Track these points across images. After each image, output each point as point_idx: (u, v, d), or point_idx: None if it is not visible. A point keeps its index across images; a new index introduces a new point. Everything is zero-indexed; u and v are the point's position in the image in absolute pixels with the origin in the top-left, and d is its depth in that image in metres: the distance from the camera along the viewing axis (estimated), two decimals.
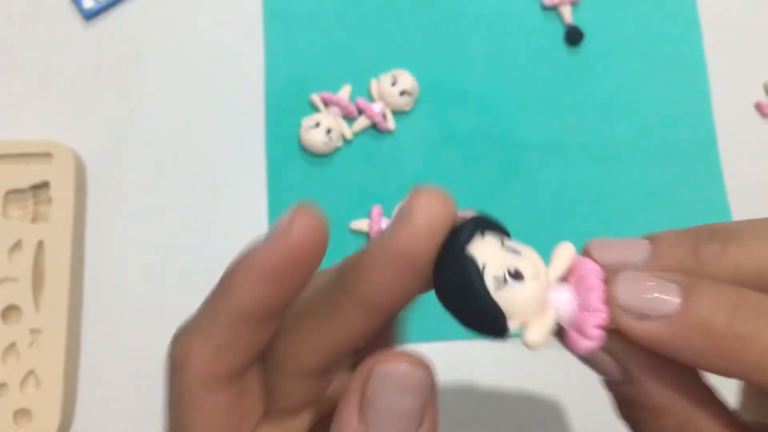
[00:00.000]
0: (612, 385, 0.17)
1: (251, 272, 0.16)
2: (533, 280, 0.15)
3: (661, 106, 0.43)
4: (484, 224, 0.15)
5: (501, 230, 0.16)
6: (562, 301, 0.16)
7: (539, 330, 0.15)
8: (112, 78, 0.42)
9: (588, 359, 0.17)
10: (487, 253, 0.15)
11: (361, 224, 0.40)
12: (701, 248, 0.17)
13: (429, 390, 0.17)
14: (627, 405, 0.18)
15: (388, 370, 0.16)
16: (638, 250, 0.17)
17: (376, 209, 0.40)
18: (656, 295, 0.15)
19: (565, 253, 0.16)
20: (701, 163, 0.43)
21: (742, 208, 0.42)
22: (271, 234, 0.16)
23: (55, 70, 0.42)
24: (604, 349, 0.16)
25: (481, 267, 0.15)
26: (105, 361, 0.39)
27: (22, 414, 0.37)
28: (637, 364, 0.16)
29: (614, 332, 0.16)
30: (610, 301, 0.16)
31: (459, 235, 0.15)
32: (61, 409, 0.36)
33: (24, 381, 0.37)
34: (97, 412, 0.38)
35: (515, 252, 0.16)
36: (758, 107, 0.44)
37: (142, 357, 0.39)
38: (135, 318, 0.39)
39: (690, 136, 0.43)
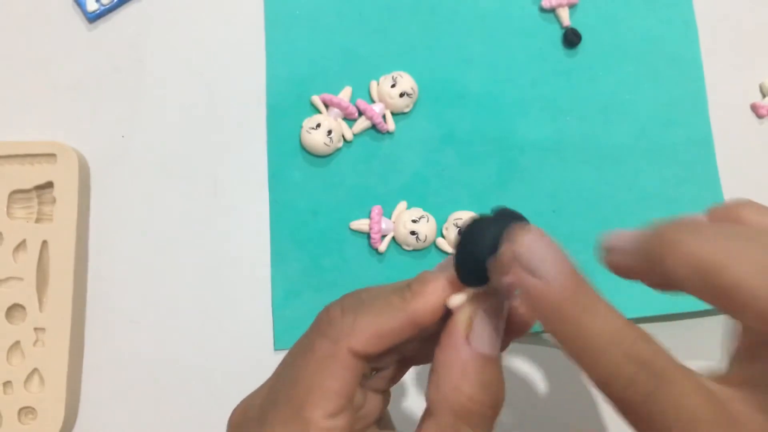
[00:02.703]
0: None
1: (436, 299, 0.21)
2: None
3: (657, 107, 0.44)
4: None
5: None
6: None
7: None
8: (115, 79, 0.43)
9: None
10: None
11: (361, 224, 0.41)
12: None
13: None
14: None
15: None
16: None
17: (376, 209, 0.40)
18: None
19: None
20: (697, 163, 0.43)
21: None
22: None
23: (58, 71, 0.42)
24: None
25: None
26: (108, 359, 0.39)
27: (26, 412, 0.37)
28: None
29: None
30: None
31: (480, 243, 0.21)
32: (65, 406, 0.37)
33: (28, 379, 0.37)
34: (100, 410, 0.39)
35: None
36: (754, 108, 0.45)
37: (145, 355, 0.39)
38: (138, 317, 0.40)
39: (686, 137, 0.43)
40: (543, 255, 0.19)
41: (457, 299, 0.22)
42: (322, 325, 0.22)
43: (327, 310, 0.22)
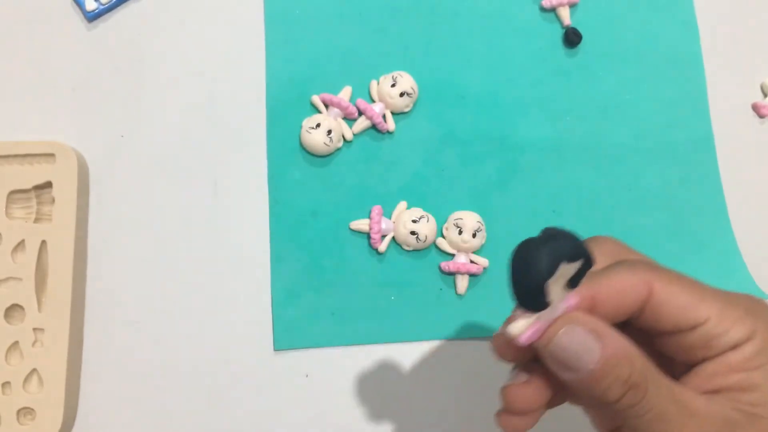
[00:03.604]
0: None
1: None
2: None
3: (658, 107, 0.44)
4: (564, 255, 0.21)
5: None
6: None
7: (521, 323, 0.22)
8: (115, 79, 0.42)
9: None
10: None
11: (361, 224, 0.40)
12: None
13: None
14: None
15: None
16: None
17: (376, 209, 0.40)
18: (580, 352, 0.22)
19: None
20: (698, 163, 0.43)
21: (738, 208, 0.42)
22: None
23: (58, 71, 0.42)
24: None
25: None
26: (107, 359, 0.39)
27: (25, 412, 0.37)
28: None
29: None
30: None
31: (540, 265, 0.20)
32: (64, 407, 0.37)
33: (27, 379, 0.37)
34: (99, 410, 0.38)
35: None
36: (755, 108, 0.44)
37: (144, 355, 0.39)
38: (137, 317, 0.39)
39: (687, 137, 0.43)
40: (574, 351, 0.21)
41: (519, 325, 0.22)
42: None
43: None
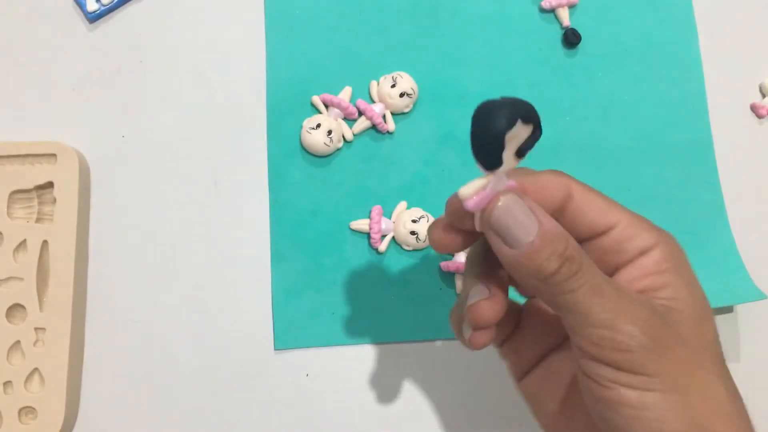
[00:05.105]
0: None
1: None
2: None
3: (657, 107, 0.44)
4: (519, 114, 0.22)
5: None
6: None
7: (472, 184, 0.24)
8: (116, 80, 0.43)
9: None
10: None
11: (361, 224, 0.41)
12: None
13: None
14: None
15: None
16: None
17: (376, 209, 0.40)
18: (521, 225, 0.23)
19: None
20: (697, 164, 0.43)
21: (737, 208, 0.43)
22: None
23: (59, 72, 0.43)
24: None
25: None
26: (108, 358, 0.39)
27: (26, 411, 0.37)
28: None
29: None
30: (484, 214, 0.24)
31: (498, 121, 0.22)
32: (66, 406, 0.37)
33: (29, 379, 0.38)
34: (100, 409, 0.39)
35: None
36: (753, 108, 0.45)
37: (146, 355, 0.39)
38: (138, 316, 0.40)
39: (686, 137, 0.43)
40: (514, 223, 0.23)
41: (470, 187, 0.24)
42: None
43: None
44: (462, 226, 0.26)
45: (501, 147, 0.22)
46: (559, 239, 0.23)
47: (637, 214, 0.26)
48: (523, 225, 0.23)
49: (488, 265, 0.26)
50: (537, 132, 0.23)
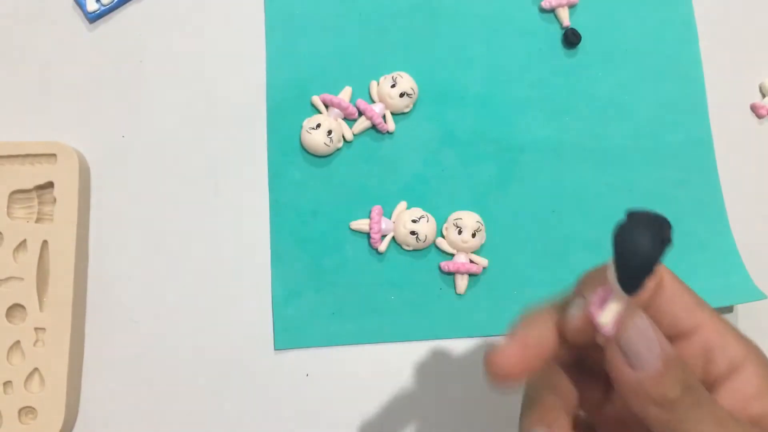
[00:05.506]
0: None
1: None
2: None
3: (657, 107, 0.44)
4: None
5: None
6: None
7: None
8: (116, 80, 0.43)
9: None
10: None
11: (361, 224, 0.41)
12: None
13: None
14: None
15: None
16: None
17: (376, 209, 0.40)
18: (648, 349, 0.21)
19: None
20: (697, 164, 0.43)
21: (737, 208, 0.43)
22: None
23: (59, 72, 0.43)
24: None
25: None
26: (108, 358, 0.39)
27: (26, 411, 0.37)
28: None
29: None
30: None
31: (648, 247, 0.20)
32: (65, 406, 0.37)
33: (28, 379, 0.37)
34: (100, 409, 0.39)
35: None
36: (753, 108, 0.45)
37: (145, 355, 0.39)
38: (138, 317, 0.40)
39: (686, 138, 0.43)
40: (644, 344, 0.21)
41: (610, 313, 0.22)
42: None
43: None
44: (547, 350, 0.24)
45: (651, 274, 0.20)
46: (679, 364, 0.21)
47: (721, 316, 0.24)
48: (651, 347, 0.21)
49: (553, 401, 0.25)
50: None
